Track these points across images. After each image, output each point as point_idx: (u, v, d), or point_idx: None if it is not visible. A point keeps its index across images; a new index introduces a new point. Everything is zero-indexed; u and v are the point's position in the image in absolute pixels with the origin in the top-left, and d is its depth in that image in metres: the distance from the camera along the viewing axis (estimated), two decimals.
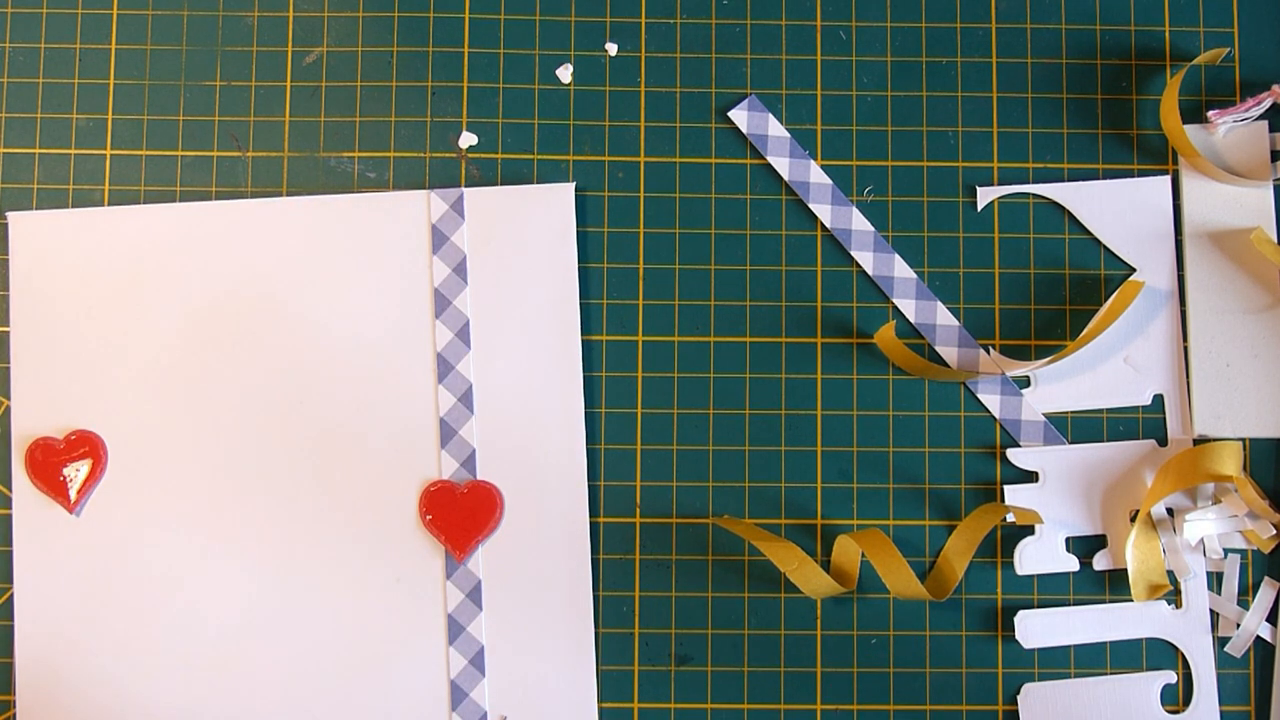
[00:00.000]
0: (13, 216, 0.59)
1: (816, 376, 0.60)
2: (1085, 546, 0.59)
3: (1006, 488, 0.59)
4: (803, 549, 0.57)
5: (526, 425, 0.59)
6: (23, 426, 0.59)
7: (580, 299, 0.59)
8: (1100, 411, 0.59)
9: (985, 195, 0.60)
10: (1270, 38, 0.61)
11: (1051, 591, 0.59)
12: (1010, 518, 0.58)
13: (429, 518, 0.58)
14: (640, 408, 0.59)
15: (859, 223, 0.60)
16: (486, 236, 0.59)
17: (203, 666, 0.58)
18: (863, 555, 0.58)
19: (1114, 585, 0.59)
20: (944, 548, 0.59)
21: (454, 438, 0.58)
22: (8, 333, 0.59)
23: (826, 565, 0.58)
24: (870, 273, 0.60)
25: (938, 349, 0.60)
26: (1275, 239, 0.60)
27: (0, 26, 0.61)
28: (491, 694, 0.58)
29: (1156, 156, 0.61)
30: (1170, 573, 0.58)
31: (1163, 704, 0.58)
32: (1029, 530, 0.59)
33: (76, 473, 0.58)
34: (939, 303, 0.60)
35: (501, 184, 0.60)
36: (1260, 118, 0.60)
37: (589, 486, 0.59)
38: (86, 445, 0.58)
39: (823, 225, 0.60)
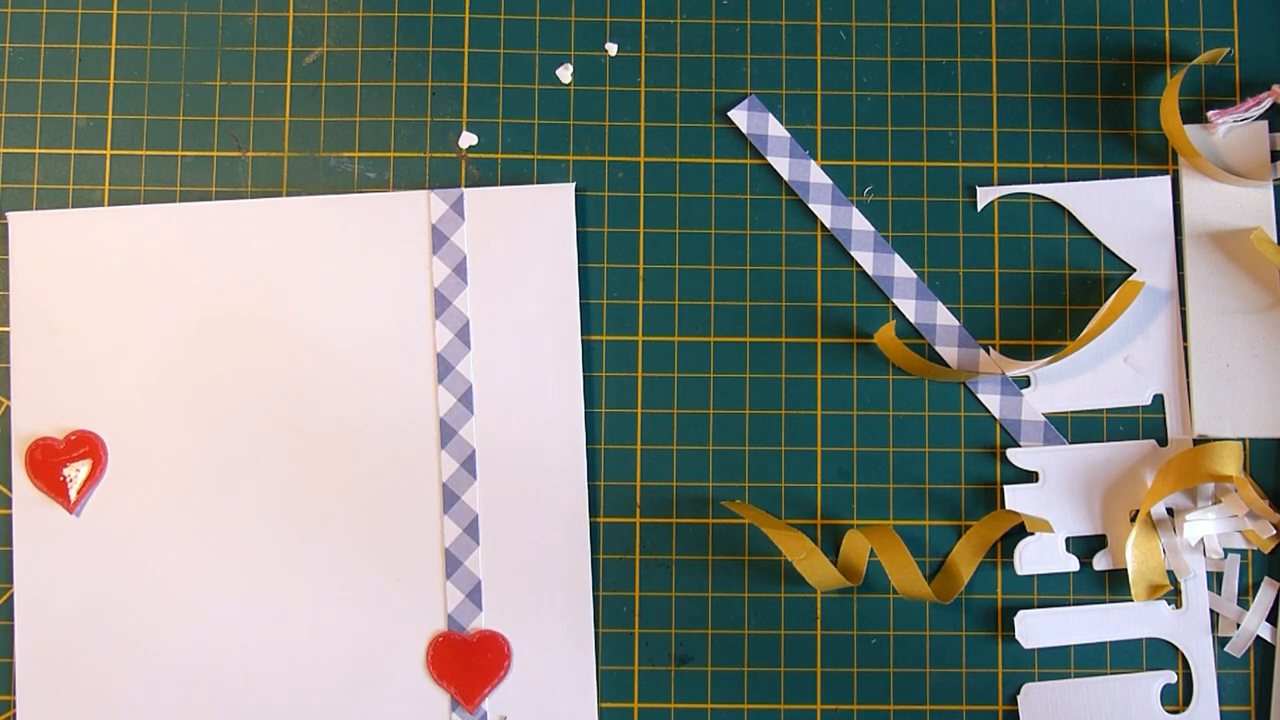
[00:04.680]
0: (13, 216, 0.59)
1: (816, 376, 0.60)
2: (1085, 546, 0.59)
3: (1006, 488, 0.59)
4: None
5: (526, 425, 0.59)
6: (23, 426, 0.59)
7: (580, 299, 0.59)
8: (1100, 411, 0.59)
9: (985, 195, 0.60)
10: (1270, 38, 0.61)
11: (1051, 591, 0.59)
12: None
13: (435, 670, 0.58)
14: (640, 408, 0.59)
15: (859, 223, 0.60)
16: (486, 237, 0.59)
17: (202, 667, 0.58)
18: (870, 552, 0.58)
19: (1114, 585, 0.59)
20: (951, 552, 0.59)
21: (454, 438, 0.58)
22: (8, 333, 0.59)
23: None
24: (870, 273, 0.60)
25: (938, 349, 0.60)
26: (1275, 239, 0.60)
27: (0, 26, 0.61)
28: (492, 694, 0.58)
29: (1156, 156, 0.61)
30: (1170, 573, 0.58)
31: (1163, 704, 0.58)
32: (1029, 530, 0.59)
33: (76, 473, 0.58)
34: (939, 303, 0.60)
35: (501, 184, 0.60)
36: (1260, 118, 0.60)
37: (589, 486, 0.59)
38: (86, 445, 0.58)
39: (823, 225, 0.60)
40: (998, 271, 0.60)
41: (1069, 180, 0.60)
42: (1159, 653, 0.58)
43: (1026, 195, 0.60)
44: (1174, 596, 0.58)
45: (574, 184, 0.60)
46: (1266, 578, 0.58)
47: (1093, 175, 0.61)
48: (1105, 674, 0.58)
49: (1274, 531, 0.57)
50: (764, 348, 0.60)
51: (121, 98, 0.61)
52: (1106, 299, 0.60)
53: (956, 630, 0.59)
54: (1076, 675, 0.58)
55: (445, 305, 0.59)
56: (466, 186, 0.60)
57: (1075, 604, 0.59)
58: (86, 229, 0.59)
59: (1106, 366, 0.59)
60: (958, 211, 0.61)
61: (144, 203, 0.60)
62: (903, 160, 0.61)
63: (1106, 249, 0.60)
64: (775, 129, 0.60)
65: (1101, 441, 0.59)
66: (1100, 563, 0.58)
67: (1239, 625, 0.58)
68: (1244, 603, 0.58)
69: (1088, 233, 0.60)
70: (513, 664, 0.58)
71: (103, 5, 0.61)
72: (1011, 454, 0.59)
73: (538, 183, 0.60)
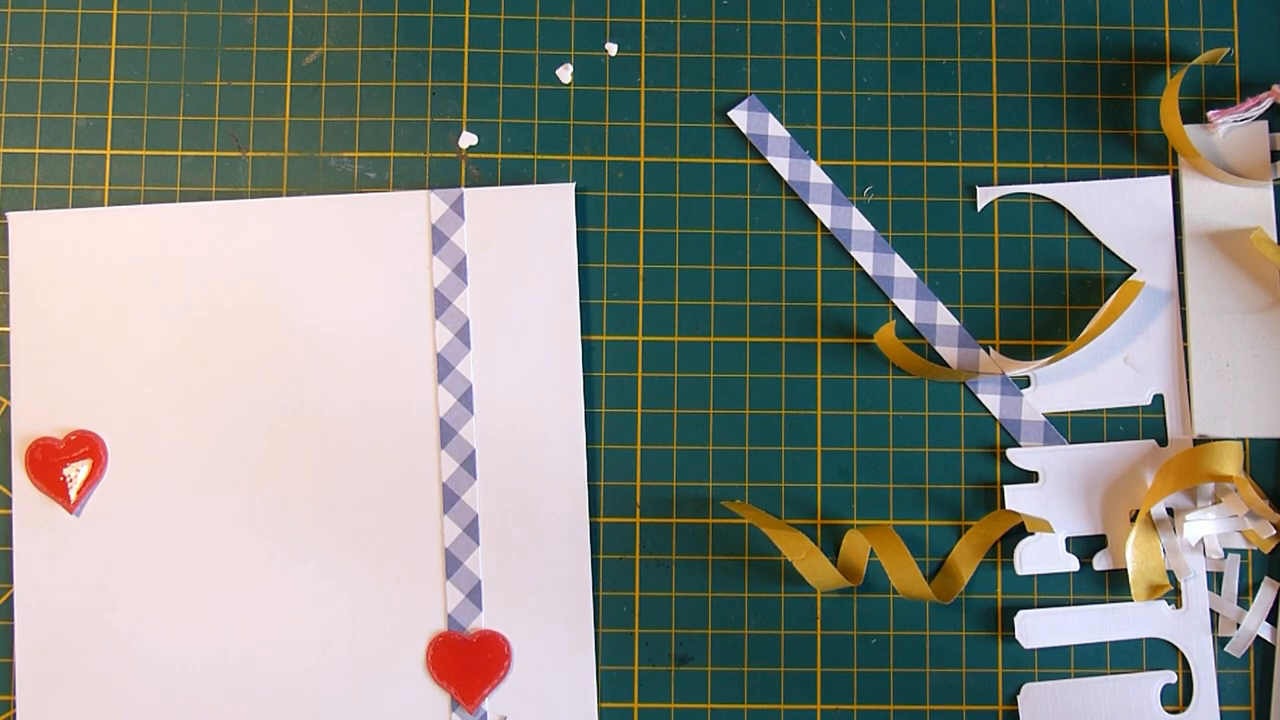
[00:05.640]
0: (13, 216, 0.59)
1: (816, 376, 0.60)
2: (1085, 546, 0.59)
3: (1006, 488, 0.59)
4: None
5: (526, 425, 0.59)
6: (23, 426, 0.59)
7: (580, 299, 0.59)
8: (1100, 411, 0.59)
9: (985, 195, 0.60)
10: (1270, 38, 0.61)
11: (1051, 591, 0.59)
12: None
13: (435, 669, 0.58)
14: (640, 408, 0.59)
15: (859, 223, 0.60)
16: (486, 236, 0.59)
17: (202, 667, 0.58)
18: (870, 552, 0.58)
19: (1114, 585, 0.59)
20: (951, 552, 0.59)
21: (454, 438, 0.58)
22: (8, 333, 0.59)
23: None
24: (870, 273, 0.60)
25: (938, 349, 0.60)
26: (1275, 239, 0.60)
27: (0, 26, 0.61)
28: (492, 694, 0.58)
29: (1156, 156, 0.61)
30: (1170, 573, 0.58)
31: (1163, 704, 0.58)
32: (1029, 530, 0.59)
33: (76, 473, 0.58)
34: (939, 303, 0.60)
35: (501, 184, 0.60)
36: (1260, 118, 0.60)
37: (589, 486, 0.59)
38: (86, 445, 0.58)
39: (823, 225, 0.60)
40: (998, 271, 0.60)
41: (1069, 180, 0.60)
42: (1159, 653, 0.58)
43: (1026, 195, 0.60)
44: (1174, 596, 0.58)
45: (574, 184, 0.60)
46: (1266, 578, 0.58)
47: (1093, 175, 0.61)
48: (1105, 674, 0.58)
49: (1274, 531, 0.57)
50: (764, 348, 0.60)
51: (121, 98, 0.61)
52: (1106, 299, 0.60)
53: (956, 630, 0.59)
54: (1076, 675, 0.58)
55: (445, 305, 0.59)
56: (466, 186, 0.60)
57: (1075, 604, 0.59)
58: (86, 229, 0.59)
59: (1106, 366, 0.59)
60: (958, 211, 0.61)
61: (144, 203, 0.60)
62: (903, 160, 0.61)
63: (1106, 249, 0.60)
64: (775, 129, 0.60)
65: (1101, 441, 0.59)
66: (1100, 563, 0.58)
67: (1239, 625, 0.58)
68: (1244, 603, 0.58)
69: (1088, 233, 0.60)
70: (513, 664, 0.58)
71: (103, 5, 0.61)
72: (1011, 454, 0.59)
73: (538, 183, 0.60)
